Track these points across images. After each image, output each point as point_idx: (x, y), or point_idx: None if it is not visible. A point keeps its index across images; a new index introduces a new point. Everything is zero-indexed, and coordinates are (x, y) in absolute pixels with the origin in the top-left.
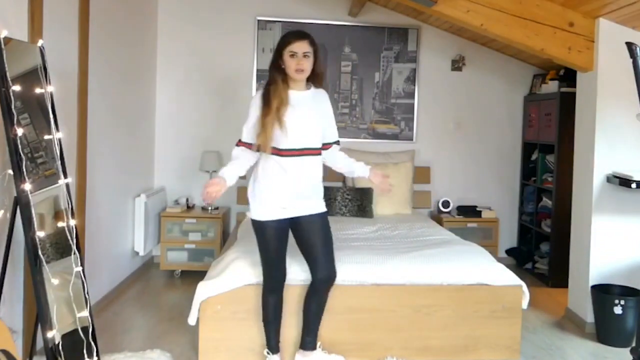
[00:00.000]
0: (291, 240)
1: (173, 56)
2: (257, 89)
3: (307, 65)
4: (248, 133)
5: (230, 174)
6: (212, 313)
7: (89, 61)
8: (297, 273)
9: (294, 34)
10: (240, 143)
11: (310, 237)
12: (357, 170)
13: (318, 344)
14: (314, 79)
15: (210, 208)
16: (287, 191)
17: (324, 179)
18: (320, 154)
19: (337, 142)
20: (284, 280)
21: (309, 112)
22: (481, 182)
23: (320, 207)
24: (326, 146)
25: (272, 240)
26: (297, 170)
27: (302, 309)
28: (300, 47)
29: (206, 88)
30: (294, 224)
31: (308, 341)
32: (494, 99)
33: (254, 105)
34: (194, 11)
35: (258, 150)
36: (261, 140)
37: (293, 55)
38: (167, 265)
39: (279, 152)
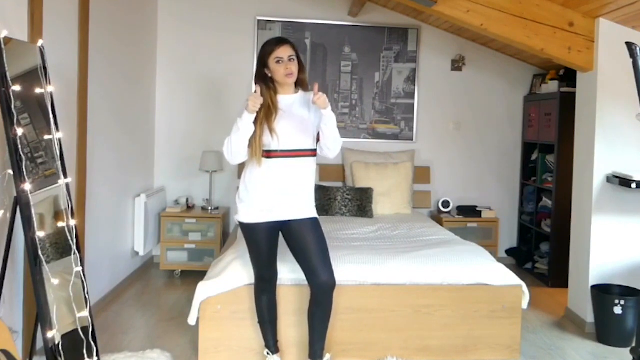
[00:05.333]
0: (281, 241)
1: (173, 56)
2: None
3: (295, 68)
4: None
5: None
6: (212, 313)
7: (89, 61)
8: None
9: (274, 41)
10: None
11: (302, 242)
12: (327, 122)
13: (327, 357)
14: (300, 84)
15: (210, 208)
16: (275, 193)
17: (324, 178)
18: (314, 155)
19: None
20: (276, 280)
21: (300, 114)
22: (481, 182)
23: (311, 212)
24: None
25: (262, 242)
26: (286, 172)
27: (306, 317)
28: (285, 51)
29: (206, 88)
30: (285, 230)
31: (317, 349)
32: (494, 99)
33: None
34: (194, 11)
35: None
36: (252, 150)
37: (279, 61)
38: (167, 265)
39: (269, 153)
